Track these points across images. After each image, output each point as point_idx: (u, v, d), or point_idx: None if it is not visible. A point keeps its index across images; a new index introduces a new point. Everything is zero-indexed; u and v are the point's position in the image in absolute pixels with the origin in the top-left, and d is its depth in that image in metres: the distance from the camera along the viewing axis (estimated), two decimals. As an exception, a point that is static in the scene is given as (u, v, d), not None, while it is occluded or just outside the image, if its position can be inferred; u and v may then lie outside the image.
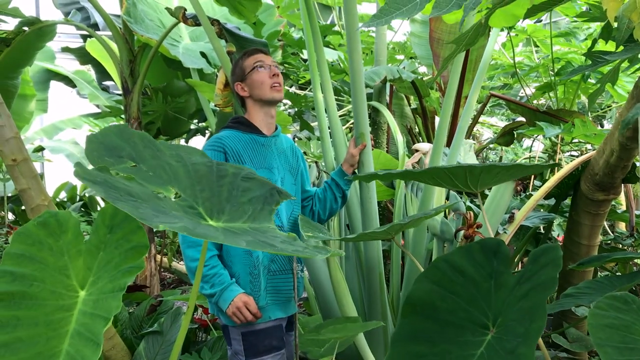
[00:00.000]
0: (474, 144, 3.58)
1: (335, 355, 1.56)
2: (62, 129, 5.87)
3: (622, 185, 2.53)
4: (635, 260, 2.86)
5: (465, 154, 2.88)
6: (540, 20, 4.31)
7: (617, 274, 2.91)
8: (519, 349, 1.06)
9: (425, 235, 2.36)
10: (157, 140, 1.23)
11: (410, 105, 4.07)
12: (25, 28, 2.83)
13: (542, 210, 2.88)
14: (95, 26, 3.51)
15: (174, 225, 0.86)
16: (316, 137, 4.08)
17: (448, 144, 2.81)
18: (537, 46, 4.08)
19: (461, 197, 2.70)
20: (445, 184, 1.53)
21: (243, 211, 1.10)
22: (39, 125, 6.11)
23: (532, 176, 3.20)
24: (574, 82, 3.42)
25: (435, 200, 2.33)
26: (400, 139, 2.80)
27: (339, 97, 4.26)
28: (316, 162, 3.38)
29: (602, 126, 5.20)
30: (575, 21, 3.64)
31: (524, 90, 3.93)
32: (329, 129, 2.28)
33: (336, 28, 4.24)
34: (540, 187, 2.38)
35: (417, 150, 2.72)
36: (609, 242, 3.14)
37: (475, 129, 4.74)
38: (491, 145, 5.34)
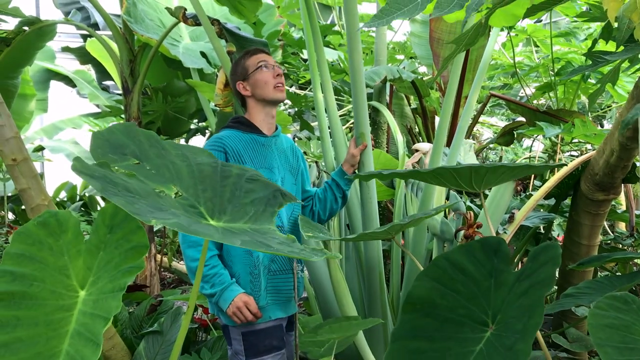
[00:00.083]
0: (474, 143, 3.58)
1: (336, 356, 1.56)
2: (62, 128, 5.86)
3: (622, 185, 2.53)
4: (635, 260, 2.85)
5: (465, 154, 2.88)
6: (540, 20, 4.31)
7: (617, 274, 2.91)
8: (517, 345, 1.07)
9: (425, 235, 2.36)
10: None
11: (410, 105, 4.07)
12: (26, 28, 2.83)
13: (542, 210, 2.88)
14: (95, 26, 3.50)
15: (167, 221, 0.86)
16: (316, 137, 4.08)
17: (448, 144, 2.81)
18: (537, 46, 4.08)
19: (461, 197, 2.70)
20: (449, 183, 1.53)
21: (244, 212, 1.10)
22: (39, 125, 6.11)
23: (532, 176, 3.20)
24: (574, 82, 3.42)
25: (435, 200, 2.33)
26: (400, 138, 2.80)
27: (339, 97, 4.26)
28: (316, 162, 3.37)
29: (602, 126, 5.20)
30: (576, 21, 3.64)
31: (524, 90, 3.93)
32: (329, 128, 2.28)
33: (336, 28, 4.24)
34: (540, 187, 2.38)
35: (417, 150, 2.72)
36: (609, 242, 3.14)
37: (475, 128, 4.74)
38: (491, 145, 5.34)
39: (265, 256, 1.68)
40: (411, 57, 4.73)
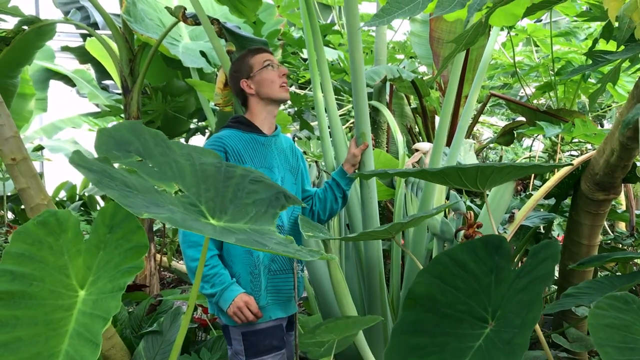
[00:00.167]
0: (474, 143, 3.58)
1: (336, 355, 1.56)
2: (61, 128, 5.86)
3: (622, 185, 2.53)
4: (635, 260, 2.85)
5: (465, 154, 2.87)
6: (540, 20, 4.31)
7: (617, 274, 2.91)
8: (515, 339, 1.08)
9: (425, 235, 2.36)
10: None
11: (410, 105, 4.07)
12: (25, 27, 2.83)
13: (542, 210, 2.88)
14: (94, 25, 3.50)
15: (160, 216, 0.86)
16: (316, 136, 4.07)
17: (448, 144, 2.80)
18: (537, 46, 4.08)
19: (461, 197, 2.70)
20: (454, 183, 1.53)
21: (245, 212, 1.10)
22: (38, 125, 6.10)
23: (532, 176, 3.20)
24: (574, 81, 3.42)
25: (435, 199, 2.33)
26: (400, 138, 2.80)
27: (339, 97, 4.26)
28: (316, 162, 3.37)
29: (602, 126, 5.20)
30: (576, 21, 3.64)
31: (524, 90, 3.93)
32: (329, 128, 2.28)
33: (336, 27, 4.24)
34: (540, 187, 2.38)
35: (417, 150, 2.72)
36: (609, 242, 3.14)
37: (475, 128, 4.74)
38: (491, 145, 5.33)
39: (266, 256, 1.68)
40: (411, 57, 4.73)
